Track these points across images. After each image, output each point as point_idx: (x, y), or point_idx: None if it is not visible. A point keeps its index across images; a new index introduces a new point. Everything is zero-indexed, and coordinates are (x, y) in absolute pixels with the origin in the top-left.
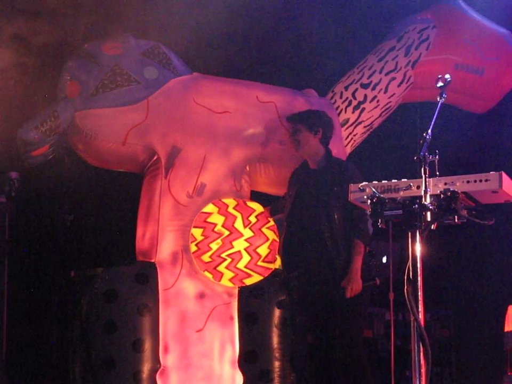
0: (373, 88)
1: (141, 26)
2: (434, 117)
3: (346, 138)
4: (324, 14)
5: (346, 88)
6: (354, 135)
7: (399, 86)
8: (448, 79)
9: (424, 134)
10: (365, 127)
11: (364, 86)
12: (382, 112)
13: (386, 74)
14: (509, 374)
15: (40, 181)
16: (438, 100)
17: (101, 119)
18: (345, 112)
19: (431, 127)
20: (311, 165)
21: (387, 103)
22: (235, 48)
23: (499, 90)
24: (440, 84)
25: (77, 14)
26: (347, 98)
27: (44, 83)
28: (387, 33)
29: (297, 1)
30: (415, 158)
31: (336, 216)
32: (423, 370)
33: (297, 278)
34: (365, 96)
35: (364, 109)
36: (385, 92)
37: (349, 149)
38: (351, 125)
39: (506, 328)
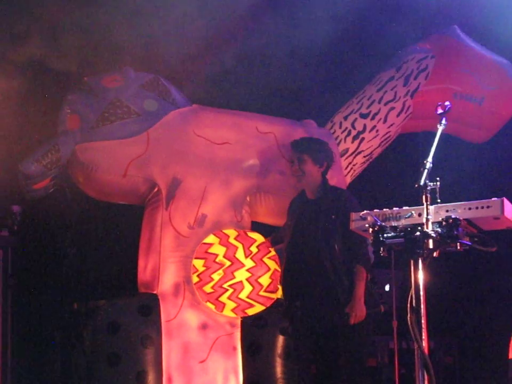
0: (372, 118)
1: (140, 59)
2: (434, 144)
3: (346, 168)
4: (323, 45)
5: (345, 118)
6: (354, 165)
7: (398, 115)
8: (448, 106)
9: (425, 162)
10: (364, 156)
11: (363, 116)
12: (382, 142)
13: (386, 104)
14: None
15: (42, 214)
16: (438, 126)
17: (101, 152)
18: (345, 142)
19: (431, 154)
20: (309, 194)
21: (386, 133)
22: (234, 79)
23: (499, 119)
24: (440, 111)
25: (77, 47)
26: (346, 128)
27: (44, 117)
28: (386, 63)
29: (295, 33)
30: (416, 185)
31: (335, 244)
32: None
33: (299, 307)
34: (364, 126)
35: (363, 138)
36: (384, 122)
37: (348, 179)
38: (351, 154)
39: (511, 355)
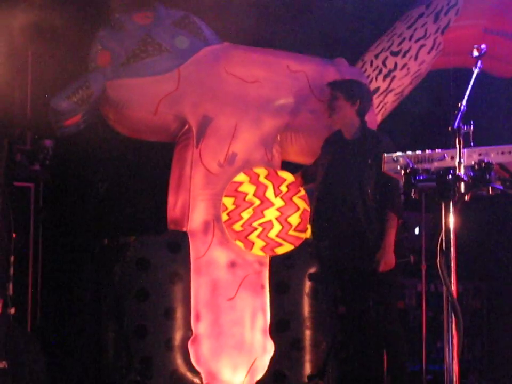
0: (403, 56)
1: None
2: (469, 87)
3: (377, 107)
4: None
5: (376, 56)
6: (385, 104)
7: (429, 52)
8: (484, 49)
9: (459, 105)
10: (395, 95)
11: (394, 54)
12: (412, 79)
13: (416, 41)
14: None
15: (74, 150)
16: (473, 69)
17: (132, 89)
18: (376, 80)
19: (465, 97)
20: (346, 135)
21: (417, 70)
22: (265, 17)
23: None
24: (476, 53)
25: None
26: (377, 66)
27: (76, 52)
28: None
29: None
30: (450, 128)
31: (369, 189)
32: (455, 341)
33: (327, 247)
34: (395, 64)
35: (394, 77)
36: (415, 59)
37: (379, 117)
38: (382, 93)
39: None
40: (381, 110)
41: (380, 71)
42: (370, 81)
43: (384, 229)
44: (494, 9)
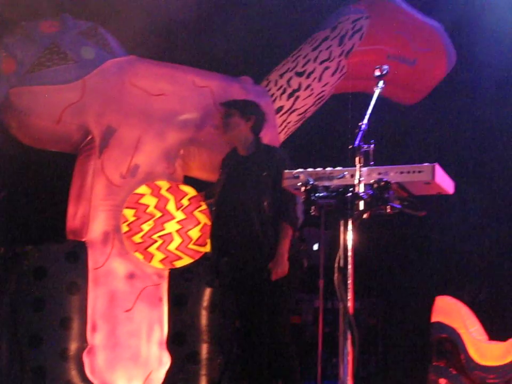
0: (308, 77)
1: (79, 6)
2: (371, 106)
3: (280, 126)
4: (260, 3)
5: (281, 76)
6: (288, 123)
7: (332, 75)
8: (386, 69)
9: (360, 124)
10: (298, 115)
11: (299, 74)
12: (316, 100)
13: (321, 63)
14: (434, 364)
15: None
16: (375, 89)
17: (36, 97)
18: (280, 99)
19: (367, 116)
20: (241, 151)
21: (321, 92)
22: (172, 33)
23: (430, 81)
24: (377, 73)
25: None
26: (282, 86)
27: None
28: (321, 23)
29: None
30: (350, 147)
31: (265, 201)
32: (349, 357)
33: (226, 263)
34: (300, 84)
35: (298, 96)
36: (319, 81)
37: (282, 137)
38: (285, 112)
39: (433, 319)
40: (283, 129)
41: (284, 91)
42: (274, 99)
43: (279, 239)
44: (398, 36)
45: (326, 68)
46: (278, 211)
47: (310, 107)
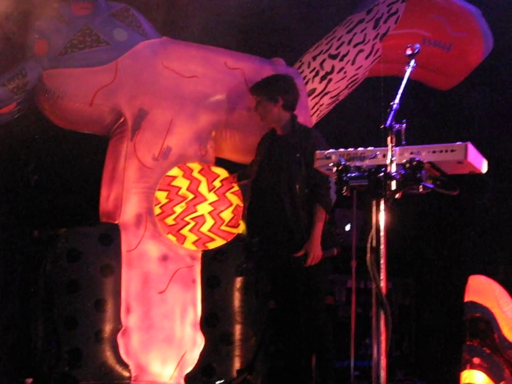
0: (341, 59)
1: None
2: (402, 86)
3: (312, 108)
4: None
5: (314, 58)
6: (321, 105)
7: (366, 58)
8: (418, 48)
9: (391, 103)
10: (331, 97)
11: (332, 57)
12: (349, 83)
13: (355, 46)
14: (468, 343)
15: (6, 140)
16: (406, 68)
17: (69, 79)
18: (312, 82)
19: (398, 96)
20: (278, 131)
21: (354, 75)
22: (205, 15)
23: (466, 66)
24: (409, 52)
25: None
26: (314, 68)
27: (12, 41)
28: (357, 5)
29: None
30: (382, 126)
31: (297, 183)
32: (383, 337)
33: (258, 243)
34: (333, 66)
35: (331, 79)
36: (352, 64)
37: (314, 119)
38: (318, 95)
39: (466, 298)
40: (316, 111)
41: (317, 73)
42: (307, 82)
43: (312, 223)
44: (434, 20)
45: (360, 51)
46: (311, 194)
47: (342, 90)
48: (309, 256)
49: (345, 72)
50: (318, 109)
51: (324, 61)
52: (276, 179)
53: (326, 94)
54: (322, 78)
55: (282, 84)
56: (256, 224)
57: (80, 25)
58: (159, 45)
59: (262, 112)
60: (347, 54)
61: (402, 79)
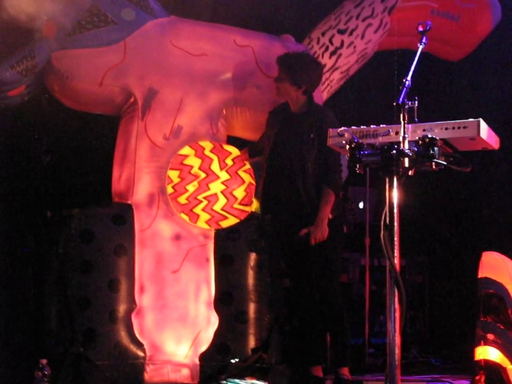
0: (350, 34)
1: None
2: (414, 63)
3: (323, 84)
4: None
5: (323, 34)
6: (331, 81)
7: (375, 32)
8: (429, 25)
9: (404, 80)
10: (341, 73)
11: (341, 32)
12: (359, 58)
13: (363, 20)
14: (482, 319)
15: (17, 122)
16: (418, 45)
17: (78, 60)
18: (322, 57)
19: (410, 73)
20: (292, 107)
21: (363, 49)
22: None
23: (474, 37)
24: (421, 29)
25: None
26: (324, 44)
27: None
28: None
29: None
30: (394, 104)
31: (309, 163)
32: (397, 314)
33: (270, 221)
34: (342, 42)
35: (340, 54)
36: (362, 38)
37: (325, 95)
38: (328, 70)
39: (480, 275)
40: (326, 87)
41: (327, 48)
42: (317, 58)
43: (320, 203)
44: None
45: (369, 25)
46: (321, 174)
47: (352, 65)
48: (311, 236)
49: (354, 47)
50: (328, 85)
51: (333, 36)
52: (289, 157)
53: (336, 69)
54: (332, 53)
55: (313, 74)
56: (270, 201)
57: (87, 5)
58: (167, 24)
59: (281, 89)
60: (356, 28)
61: (413, 53)
